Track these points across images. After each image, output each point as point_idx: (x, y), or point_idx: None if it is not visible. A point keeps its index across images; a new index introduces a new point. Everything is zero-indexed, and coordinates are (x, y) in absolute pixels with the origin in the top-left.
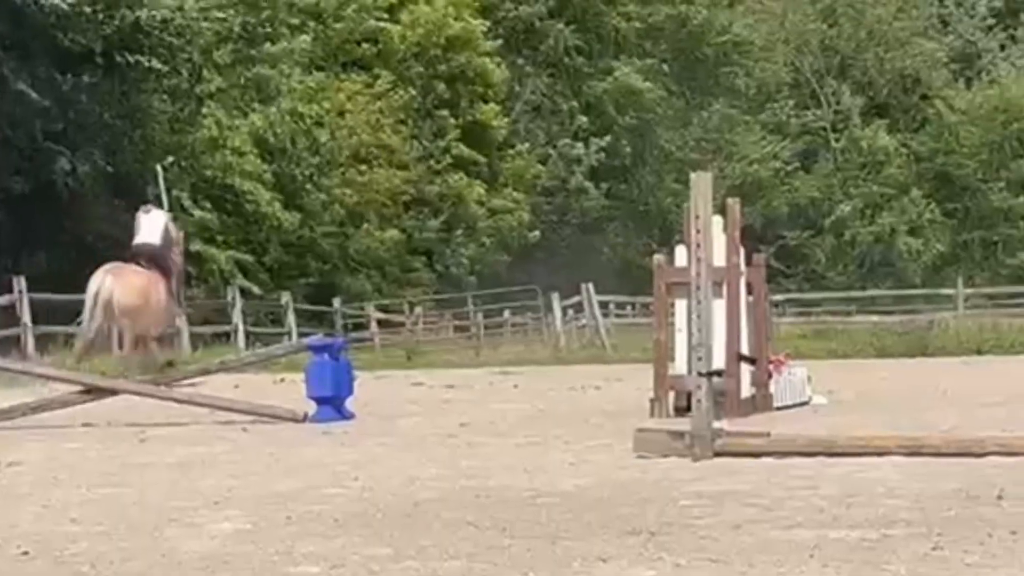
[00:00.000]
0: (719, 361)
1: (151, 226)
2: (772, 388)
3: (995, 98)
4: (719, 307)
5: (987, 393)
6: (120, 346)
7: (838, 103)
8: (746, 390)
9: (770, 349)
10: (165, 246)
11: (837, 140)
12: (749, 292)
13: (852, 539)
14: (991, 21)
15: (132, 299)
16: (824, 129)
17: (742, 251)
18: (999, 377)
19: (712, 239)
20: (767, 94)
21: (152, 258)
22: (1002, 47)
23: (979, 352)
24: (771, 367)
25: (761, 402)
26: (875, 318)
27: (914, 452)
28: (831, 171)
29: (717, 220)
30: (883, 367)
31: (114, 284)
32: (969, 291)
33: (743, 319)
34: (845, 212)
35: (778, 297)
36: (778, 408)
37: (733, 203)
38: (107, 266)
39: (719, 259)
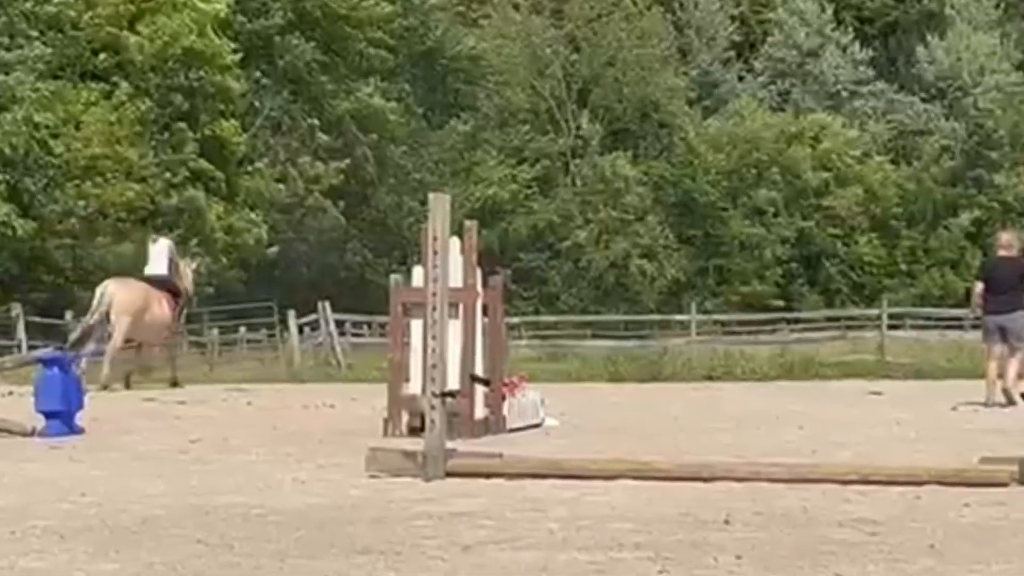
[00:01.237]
0: (453, 382)
1: (159, 256)
2: (506, 410)
3: (735, 128)
4: (455, 328)
5: (716, 419)
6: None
7: (579, 129)
8: (480, 411)
9: (505, 371)
10: (171, 272)
11: (576, 166)
12: (485, 314)
13: (580, 562)
14: (730, 53)
15: (129, 303)
16: (564, 154)
17: (479, 273)
18: (729, 404)
19: (449, 260)
20: (507, 117)
21: (163, 285)
22: (740, 78)
23: (710, 378)
24: (505, 389)
25: (494, 424)
26: (610, 342)
27: (643, 476)
28: (570, 196)
29: (454, 242)
30: (616, 391)
31: (117, 288)
32: (701, 317)
33: (478, 340)
34: (581, 237)
35: (514, 320)
36: (511, 430)
37: (471, 225)
38: (115, 278)
39: (455, 280)
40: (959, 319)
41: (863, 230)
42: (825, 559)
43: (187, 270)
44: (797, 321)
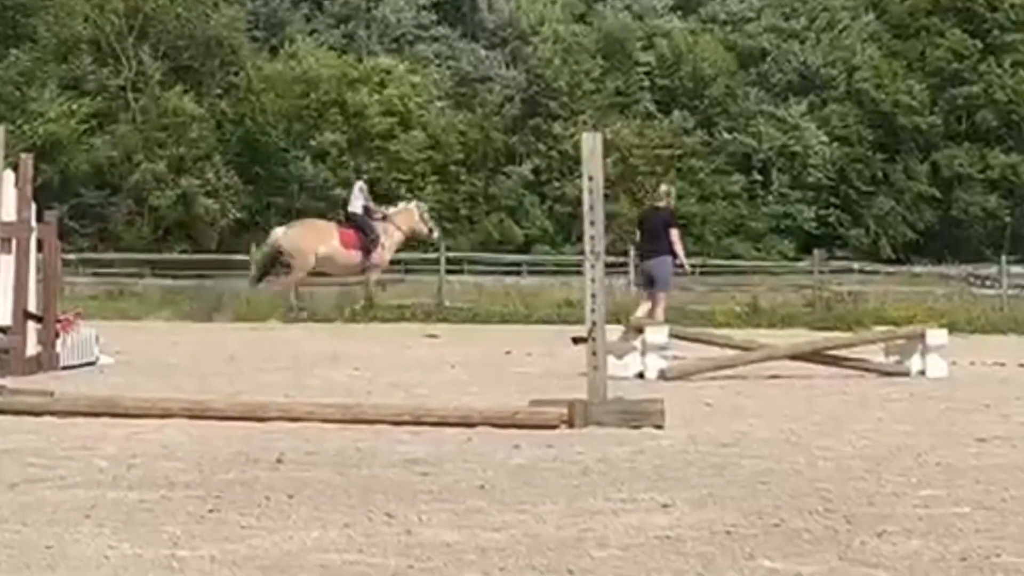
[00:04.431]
0: (5, 318)
1: (354, 197)
2: (59, 347)
3: (296, 69)
4: (7, 263)
5: (274, 359)
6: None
7: (140, 64)
8: (32, 348)
9: (59, 308)
10: (365, 214)
11: (138, 101)
12: (40, 249)
13: (130, 500)
14: None
15: (296, 243)
16: (124, 88)
17: (34, 208)
18: (287, 344)
19: (2, 195)
20: (68, 50)
21: (352, 224)
22: (308, 19)
23: (268, 319)
24: (59, 326)
25: (47, 361)
26: (170, 281)
27: (198, 416)
28: (132, 132)
29: (8, 176)
30: (174, 330)
31: (285, 230)
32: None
33: (32, 276)
34: (145, 174)
35: (71, 256)
36: (64, 368)
37: (26, 159)
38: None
39: (8, 215)
40: (518, 264)
41: (426, 175)
42: (376, 498)
43: (409, 212)
44: None
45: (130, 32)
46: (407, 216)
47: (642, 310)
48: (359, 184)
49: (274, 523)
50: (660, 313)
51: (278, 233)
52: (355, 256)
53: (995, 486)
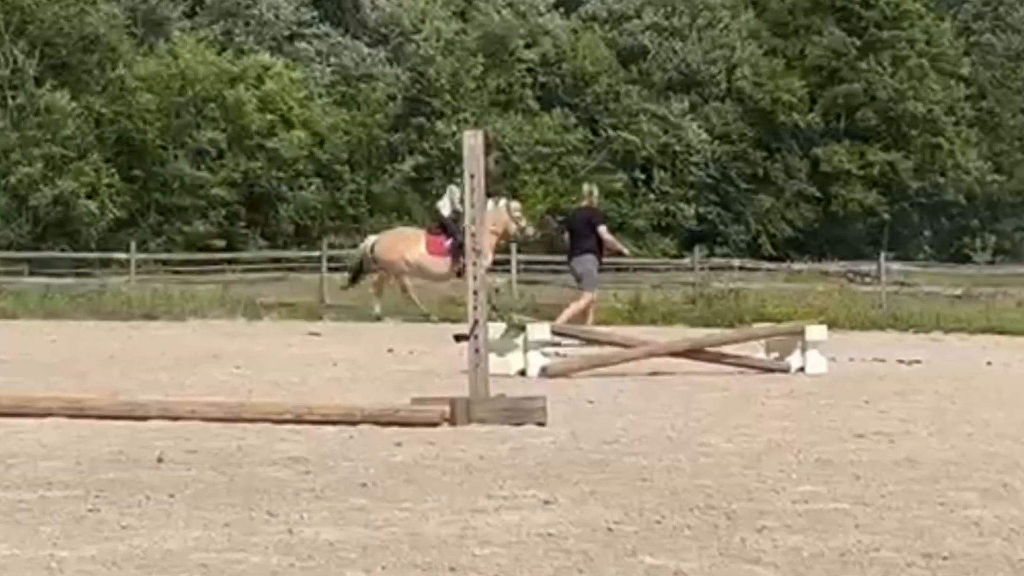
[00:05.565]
0: None
1: (445, 202)
2: None
3: (171, 67)
4: None
5: (154, 358)
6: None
7: (15, 61)
8: None
9: None
10: (452, 217)
11: (14, 98)
12: None
13: (8, 500)
14: None
15: (385, 252)
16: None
17: None
18: (166, 342)
19: None
20: None
21: (442, 228)
22: (187, 16)
23: (149, 318)
24: None
25: None
26: (48, 279)
27: (77, 414)
28: (7, 129)
29: None
30: (53, 329)
31: (379, 238)
32: (143, 256)
33: None
34: (23, 173)
35: None
36: None
37: None
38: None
39: None
40: None
41: (308, 174)
42: (257, 497)
43: (499, 211)
44: (239, 262)
45: (7, 28)
46: (497, 216)
47: (568, 310)
48: (450, 188)
49: (154, 522)
50: (586, 309)
51: (369, 241)
52: (442, 263)
53: (874, 482)
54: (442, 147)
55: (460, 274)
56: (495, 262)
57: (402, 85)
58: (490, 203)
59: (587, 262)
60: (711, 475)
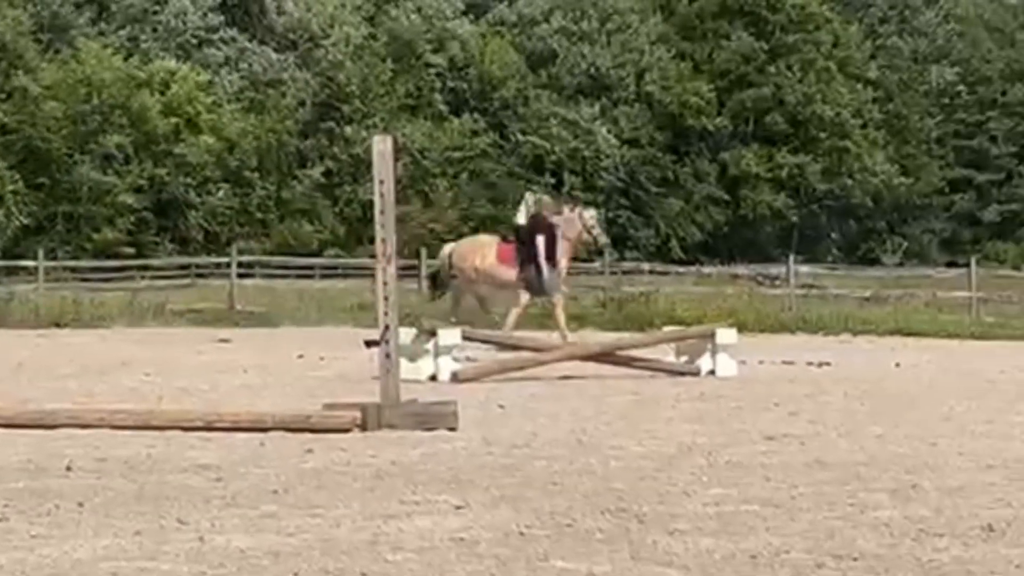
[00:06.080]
0: None
1: (522, 210)
2: None
3: (75, 73)
4: None
5: (63, 366)
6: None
7: None
8: None
9: None
10: (529, 226)
11: None
12: None
13: None
14: None
15: (459, 260)
16: None
17: None
18: (75, 350)
19: None
20: None
21: (517, 235)
22: (93, 22)
23: (58, 325)
24: None
25: None
26: None
27: None
28: None
29: None
30: None
31: (455, 246)
32: (50, 263)
33: None
34: None
35: None
36: None
37: None
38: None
39: None
40: (310, 268)
41: (216, 180)
42: (168, 505)
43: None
44: (148, 268)
45: None
46: (570, 224)
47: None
48: (527, 195)
49: (64, 531)
50: (523, 312)
51: (447, 249)
52: (510, 271)
53: (784, 484)
54: (351, 152)
55: (527, 284)
56: (569, 271)
57: (311, 90)
58: (565, 210)
59: (547, 270)
60: (622, 479)
